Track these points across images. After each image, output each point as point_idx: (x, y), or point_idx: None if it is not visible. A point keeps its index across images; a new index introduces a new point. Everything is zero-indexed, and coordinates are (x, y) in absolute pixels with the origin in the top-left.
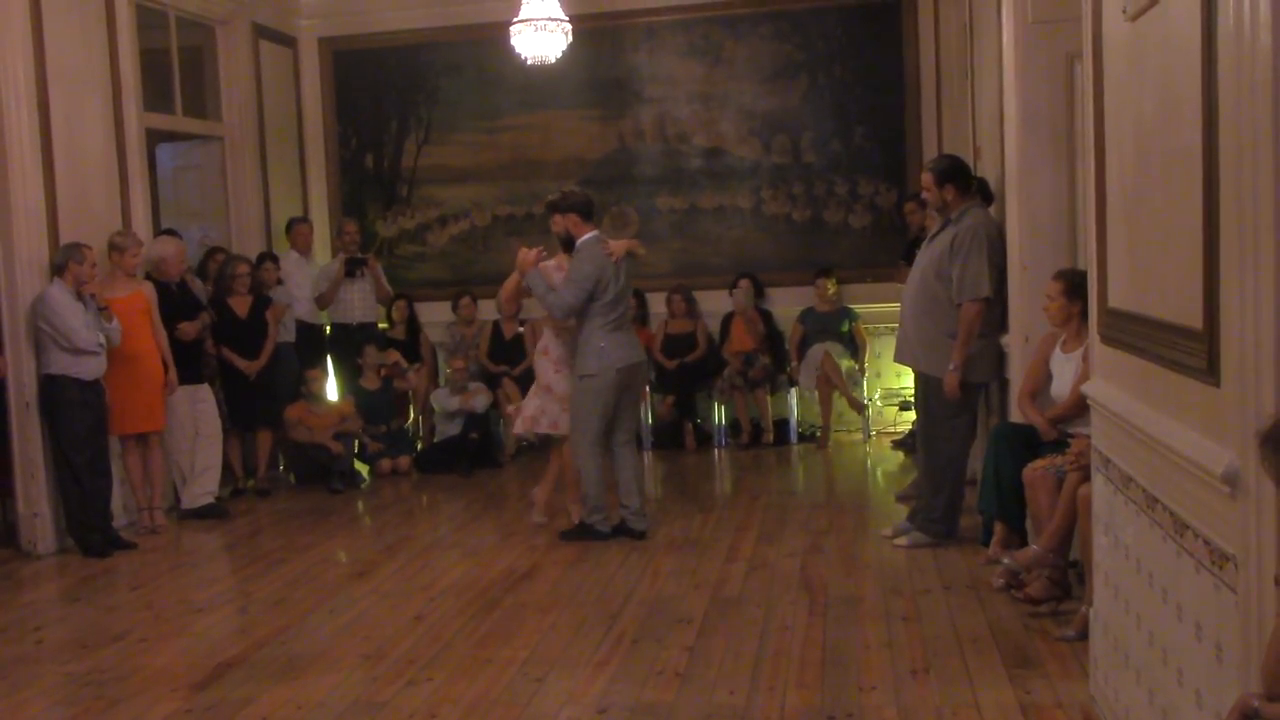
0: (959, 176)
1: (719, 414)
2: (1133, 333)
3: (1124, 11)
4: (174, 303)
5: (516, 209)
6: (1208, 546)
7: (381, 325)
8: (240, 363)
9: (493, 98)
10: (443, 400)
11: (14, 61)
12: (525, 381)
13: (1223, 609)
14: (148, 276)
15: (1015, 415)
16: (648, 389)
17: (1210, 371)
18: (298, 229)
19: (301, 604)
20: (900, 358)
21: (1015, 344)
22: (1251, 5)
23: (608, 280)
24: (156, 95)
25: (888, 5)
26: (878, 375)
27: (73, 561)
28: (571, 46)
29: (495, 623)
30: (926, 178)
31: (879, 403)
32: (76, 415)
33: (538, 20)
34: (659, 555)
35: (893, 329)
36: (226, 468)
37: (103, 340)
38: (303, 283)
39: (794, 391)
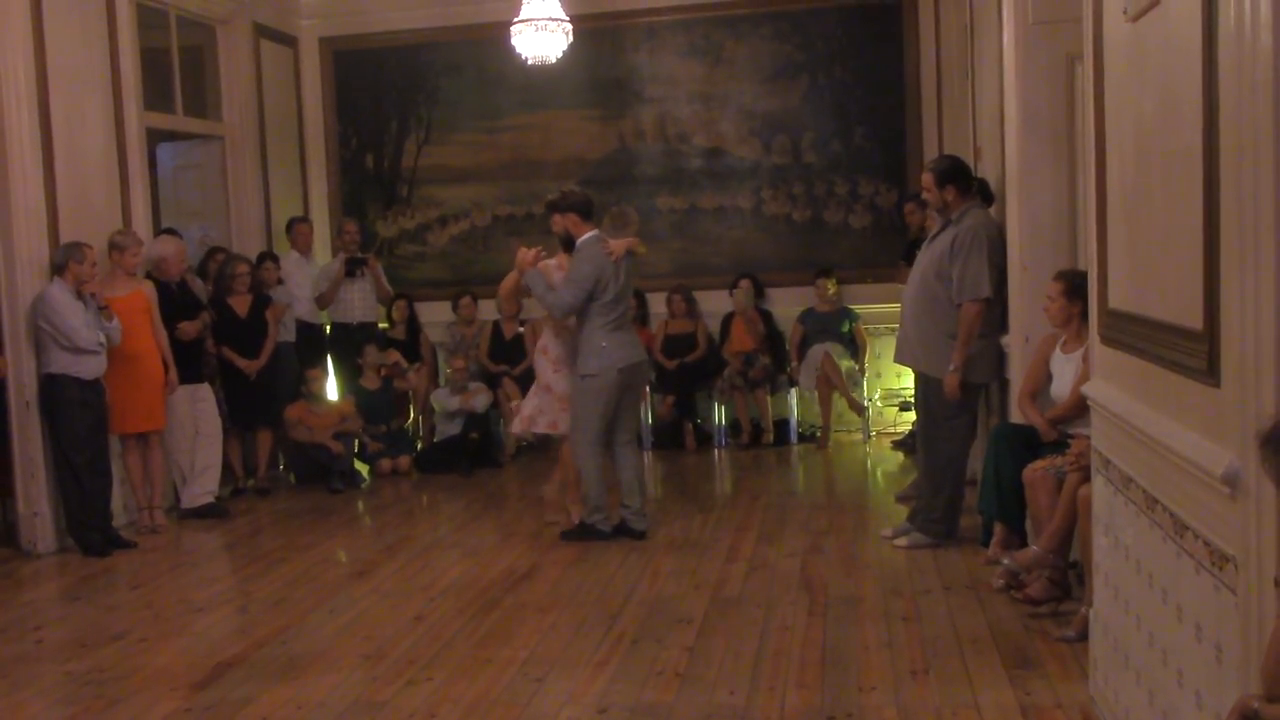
0: (959, 177)
1: (719, 414)
2: (1133, 333)
3: (1124, 12)
4: (174, 302)
5: (517, 209)
6: (1208, 547)
7: (382, 325)
8: (240, 362)
9: (493, 98)
10: (443, 400)
11: (14, 61)
12: (525, 381)
13: (1223, 610)
14: (148, 276)
15: (1015, 416)
16: (648, 389)
17: (1210, 372)
18: (298, 229)
19: (301, 604)
20: (900, 358)
21: (1015, 344)
22: (1252, 6)
23: (607, 280)
24: (157, 95)
25: (888, 5)
26: (878, 376)
27: (73, 561)
28: (572, 46)
29: (495, 623)
30: (927, 178)
31: (879, 403)
32: (77, 415)
33: (538, 20)
34: (659, 555)
35: (893, 329)
36: (226, 467)
37: (103, 339)
38: (303, 282)
39: (794, 392)
